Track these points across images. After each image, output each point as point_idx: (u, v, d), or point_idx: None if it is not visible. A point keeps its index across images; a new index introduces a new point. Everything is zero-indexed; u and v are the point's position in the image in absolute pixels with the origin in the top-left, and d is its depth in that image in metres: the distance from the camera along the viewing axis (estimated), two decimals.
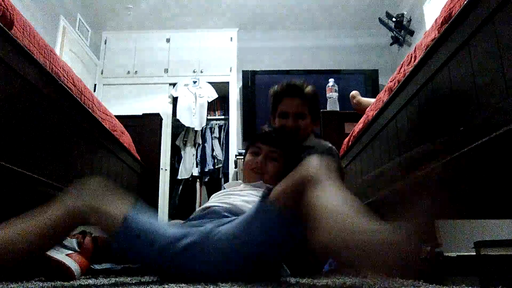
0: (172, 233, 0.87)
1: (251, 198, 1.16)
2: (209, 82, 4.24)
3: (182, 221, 1.26)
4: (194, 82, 4.22)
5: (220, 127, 4.32)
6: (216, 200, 1.20)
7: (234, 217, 0.97)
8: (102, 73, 4.33)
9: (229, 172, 4.03)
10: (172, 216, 3.76)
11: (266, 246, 0.84)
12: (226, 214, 1.04)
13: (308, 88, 1.59)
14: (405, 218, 0.52)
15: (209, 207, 1.12)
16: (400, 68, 1.53)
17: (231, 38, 4.45)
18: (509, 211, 1.13)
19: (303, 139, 1.60)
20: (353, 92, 2.42)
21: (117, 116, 2.22)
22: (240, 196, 1.18)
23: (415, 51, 1.39)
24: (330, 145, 1.62)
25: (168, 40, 4.44)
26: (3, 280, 0.91)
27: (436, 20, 1.19)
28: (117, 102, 4.00)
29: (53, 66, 1.39)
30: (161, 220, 0.94)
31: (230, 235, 0.84)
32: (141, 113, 3.04)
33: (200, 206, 4.06)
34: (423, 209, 0.52)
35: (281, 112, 1.58)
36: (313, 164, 0.77)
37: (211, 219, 1.00)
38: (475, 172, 1.08)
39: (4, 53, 1.02)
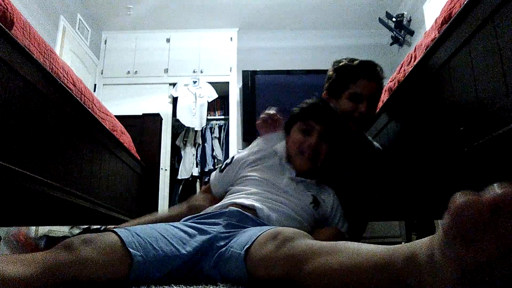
0: (184, 255, 0.83)
1: (284, 208, 1.08)
2: (209, 82, 4.24)
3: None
4: (194, 82, 4.22)
5: (220, 127, 4.32)
6: (244, 195, 1.10)
7: (247, 228, 0.91)
8: (102, 73, 4.33)
9: None
10: None
11: None
12: (245, 224, 0.96)
13: (382, 73, 1.39)
14: None
15: (227, 205, 1.05)
16: (400, 68, 1.53)
17: (231, 38, 4.45)
18: None
19: (365, 129, 1.45)
20: None
21: (117, 116, 2.22)
22: (273, 202, 1.08)
23: (415, 51, 1.39)
24: (378, 146, 1.51)
25: (168, 40, 4.44)
26: None
27: (436, 20, 1.20)
28: (117, 102, 4.00)
29: (53, 66, 1.39)
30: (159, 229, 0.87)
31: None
32: (141, 113, 3.05)
33: None
34: None
35: (355, 94, 1.34)
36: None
37: (228, 225, 0.95)
38: (475, 172, 1.08)
39: (4, 53, 1.02)
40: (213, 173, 1.34)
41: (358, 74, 1.35)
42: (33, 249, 1.07)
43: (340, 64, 1.40)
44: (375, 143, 1.49)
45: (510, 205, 0.37)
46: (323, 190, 1.22)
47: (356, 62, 1.37)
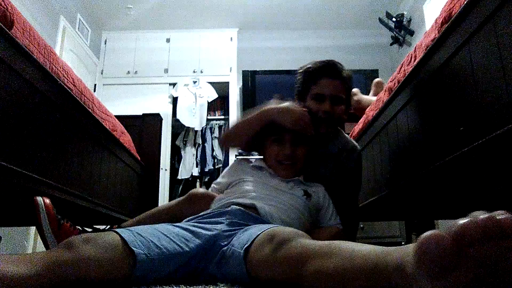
0: (188, 252, 0.84)
1: (281, 203, 1.10)
2: (209, 82, 4.24)
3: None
4: (194, 82, 4.22)
5: (220, 127, 4.32)
6: (243, 194, 1.12)
7: (249, 226, 0.92)
8: (102, 73, 4.33)
9: None
10: None
11: None
12: (248, 222, 0.97)
13: (347, 71, 1.41)
14: None
15: (229, 204, 1.06)
16: (400, 68, 1.53)
17: (231, 38, 4.45)
18: (509, 210, 1.13)
19: (335, 129, 1.45)
20: (354, 90, 2.42)
21: (117, 116, 2.22)
22: (271, 198, 1.11)
23: (415, 51, 1.39)
24: (355, 144, 1.50)
25: (168, 40, 4.44)
26: None
27: (436, 20, 1.19)
28: (117, 102, 4.00)
29: (53, 66, 1.39)
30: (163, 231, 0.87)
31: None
32: (141, 113, 3.05)
33: None
34: None
35: (317, 94, 1.36)
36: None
37: (230, 223, 0.96)
38: (475, 172, 1.08)
39: (4, 53, 1.02)
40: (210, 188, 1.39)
41: (318, 75, 1.37)
42: (54, 220, 1.10)
43: (303, 68, 1.43)
44: (353, 141, 1.51)
45: (472, 239, 0.39)
46: (311, 185, 1.28)
47: (317, 63, 1.40)
